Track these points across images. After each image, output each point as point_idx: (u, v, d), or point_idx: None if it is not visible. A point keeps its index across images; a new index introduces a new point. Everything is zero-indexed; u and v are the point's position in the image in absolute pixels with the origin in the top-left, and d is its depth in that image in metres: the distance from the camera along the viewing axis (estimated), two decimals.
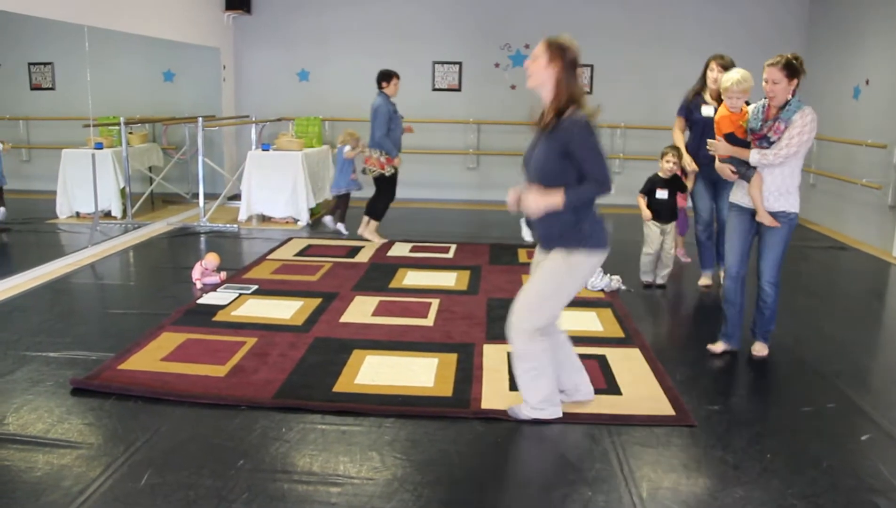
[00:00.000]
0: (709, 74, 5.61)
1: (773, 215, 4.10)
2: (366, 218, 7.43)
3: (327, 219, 7.79)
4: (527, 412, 3.41)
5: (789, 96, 4.06)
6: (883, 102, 7.71)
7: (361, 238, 7.41)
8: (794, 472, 3.03)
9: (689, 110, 5.73)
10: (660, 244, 5.79)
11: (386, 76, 7.06)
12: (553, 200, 3.13)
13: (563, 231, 3.22)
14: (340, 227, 7.76)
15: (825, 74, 8.98)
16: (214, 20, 9.50)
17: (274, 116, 9.85)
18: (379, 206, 7.41)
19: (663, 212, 5.77)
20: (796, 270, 6.67)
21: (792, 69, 4.02)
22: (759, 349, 4.38)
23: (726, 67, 5.36)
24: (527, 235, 3.73)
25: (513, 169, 10.10)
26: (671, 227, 5.82)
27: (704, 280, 5.89)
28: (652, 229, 5.80)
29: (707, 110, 5.52)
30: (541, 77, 3.18)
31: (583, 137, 3.10)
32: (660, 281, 5.91)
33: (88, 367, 3.93)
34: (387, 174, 7.23)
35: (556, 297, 3.29)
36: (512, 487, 2.88)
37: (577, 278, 3.27)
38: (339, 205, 7.84)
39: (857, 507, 2.80)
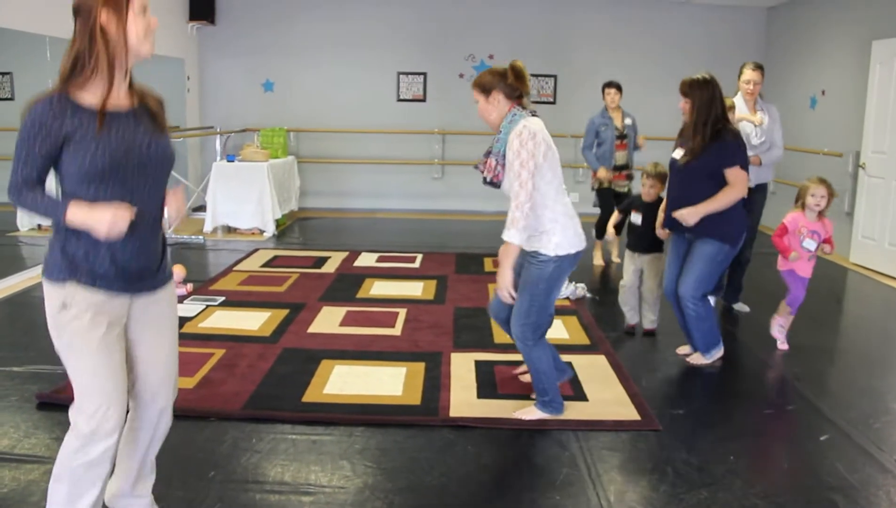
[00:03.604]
0: None
1: (525, 255, 3.36)
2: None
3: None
4: None
5: (502, 114, 3.33)
6: (838, 112, 7.91)
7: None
8: (756, 473, 3.11)
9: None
10: (634, 277, 4.89)
11: (603, 86, 6.90)
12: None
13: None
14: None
15: (783, 84, 9.20)
16: (178, 31, 9.45)
17: (239, 126, 9.82)
18: (598, 222, 6.96)
19: (636, 239, 4.87)
20: (758, 276, 6.80)
21: (484, 84, 3.31)
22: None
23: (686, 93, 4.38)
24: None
25: (478, 178, 10.17)
26: (650, 261, 4.82)
27: (683, 349, 4.62)
28: (626, 258, 4.97)
29: (676, 153, 4.35)
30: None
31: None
32: (648, 325, 4.92)
33: (54, 381, 3.88)
34: (592, 188, 6.99)
35: (76, 364, 2.22)
36: (481, 493, 2.92)
37: (72, 330, 2.18)
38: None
39: (817, 505, 2.88)
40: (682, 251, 4.33)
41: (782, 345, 4.71)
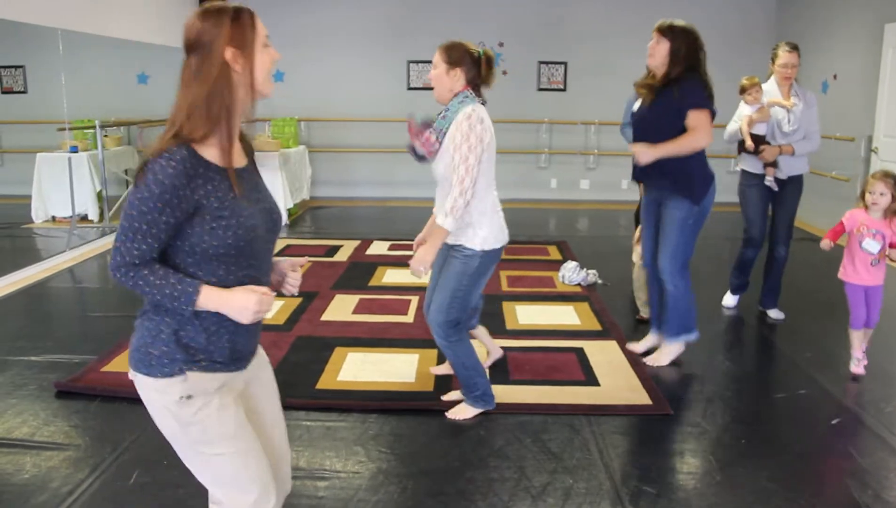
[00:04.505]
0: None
1: (449, 248, 3.25)
2: None
3: None
4: None
5: (454, 91, 3.20)
6: (850, 97, 7.87)
7: None
8: (768, 456, 3.13)
9: None
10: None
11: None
12: None
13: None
14: None
15: None
16: None
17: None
18: (637, 209, 6.19)
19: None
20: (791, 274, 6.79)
21: (454, 56, 3.14)
22: None
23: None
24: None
25: None
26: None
27: (633, 345, 4.37)
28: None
29: (635, 106, 4.10)
30: None
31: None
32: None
33: (71, 370, 3.94)
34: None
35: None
36: (495, 477, 2.94)
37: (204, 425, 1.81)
38: None
39: (829, 488, 2.90)
40: (654, 219, 4.07)
41: (857, 369, 4.02)
